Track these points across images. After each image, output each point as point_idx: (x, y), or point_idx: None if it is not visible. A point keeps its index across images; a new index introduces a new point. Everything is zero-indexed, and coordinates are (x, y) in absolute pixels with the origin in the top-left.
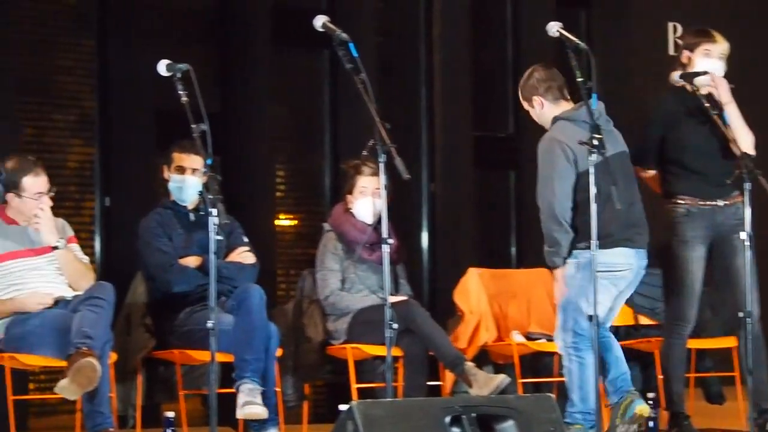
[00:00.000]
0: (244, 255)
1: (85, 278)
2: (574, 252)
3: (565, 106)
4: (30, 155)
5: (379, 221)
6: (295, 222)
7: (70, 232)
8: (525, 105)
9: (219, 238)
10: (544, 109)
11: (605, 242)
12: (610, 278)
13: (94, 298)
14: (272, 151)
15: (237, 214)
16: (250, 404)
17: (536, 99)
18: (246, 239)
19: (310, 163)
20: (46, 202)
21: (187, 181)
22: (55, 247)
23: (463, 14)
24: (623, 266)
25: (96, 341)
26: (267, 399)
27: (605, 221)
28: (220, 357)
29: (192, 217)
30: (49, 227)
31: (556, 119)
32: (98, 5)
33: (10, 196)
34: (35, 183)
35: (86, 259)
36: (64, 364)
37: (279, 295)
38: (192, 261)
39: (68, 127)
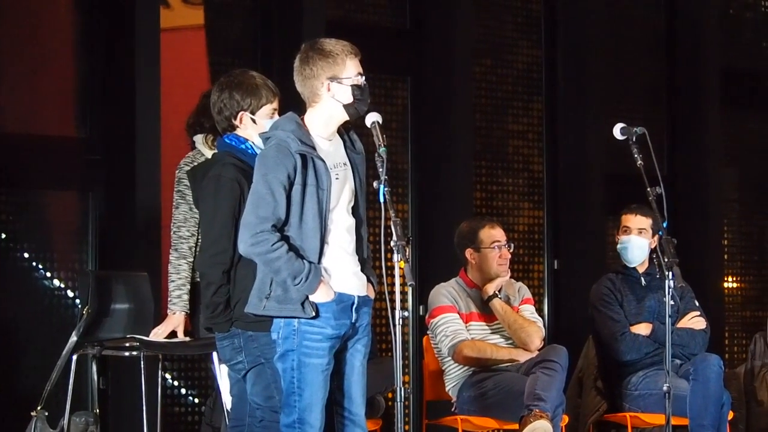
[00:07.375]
0: (694, 320)
1: (523, 332)
2: None
3: None
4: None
5: None
6: (743, 285)
7: (526, 294)
8: None
9: (672, 303)
10: None
11: None
12: None
13: (549, 361)
14: (719, 214)
15: (686, 277)
16: None
17: None
18: (697, 303)
19: (757, 226)
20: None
21: (633, 241)
22: (491, 297)
23: None
24: None
25: (549, 404)
26: None
27: None
28: (674, 420)
29: (643, 281)
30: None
31: None
32: (548, 70)
33: (469, 252)
34: (491, 234)
35: (537, 319)
36: (515, 426)
37: (726, 357)
38: (642, 329)
39: (517, 191)
